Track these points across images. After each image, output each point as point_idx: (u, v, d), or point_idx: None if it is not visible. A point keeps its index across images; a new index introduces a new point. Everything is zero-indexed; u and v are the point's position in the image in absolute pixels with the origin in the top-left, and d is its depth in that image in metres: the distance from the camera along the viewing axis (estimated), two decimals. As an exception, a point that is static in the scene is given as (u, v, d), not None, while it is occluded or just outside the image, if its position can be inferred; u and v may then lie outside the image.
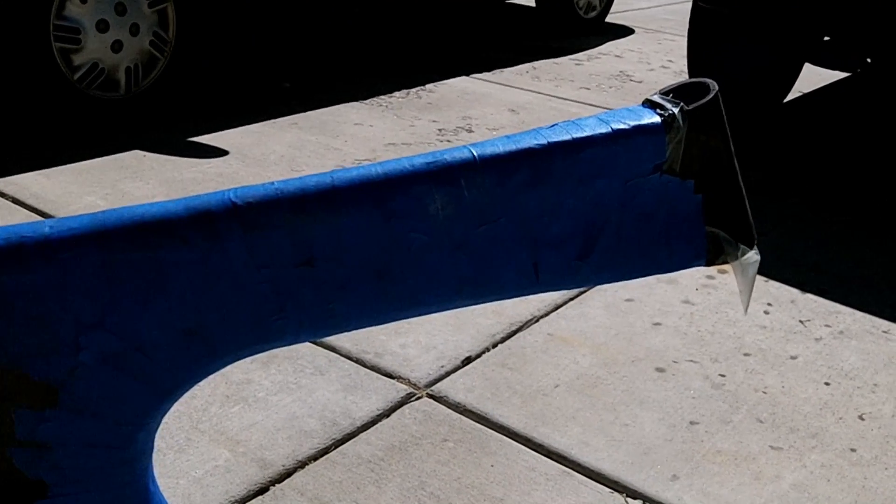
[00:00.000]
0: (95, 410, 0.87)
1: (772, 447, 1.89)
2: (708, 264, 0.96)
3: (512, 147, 0.89)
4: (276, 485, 1.69)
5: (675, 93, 0.94)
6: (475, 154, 0.88)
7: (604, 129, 0.90)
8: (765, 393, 2.08)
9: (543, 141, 0.89)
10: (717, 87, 0.90)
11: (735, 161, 0.92)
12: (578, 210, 0.91)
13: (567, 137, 0.89)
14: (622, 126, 0.90)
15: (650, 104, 0.93)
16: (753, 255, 0.96)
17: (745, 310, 0.98)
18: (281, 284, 0.87)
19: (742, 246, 0.95)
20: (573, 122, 0.92)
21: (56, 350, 0.85)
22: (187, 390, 0.90)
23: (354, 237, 0.87)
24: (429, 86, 4.47)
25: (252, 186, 0.85)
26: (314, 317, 0.89)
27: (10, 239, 0.81)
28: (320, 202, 0.85)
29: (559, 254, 0.93)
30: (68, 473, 0.89)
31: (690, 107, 0.90)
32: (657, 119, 0.91)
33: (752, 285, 0.98)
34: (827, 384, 2.13)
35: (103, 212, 0.84)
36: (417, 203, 0.87)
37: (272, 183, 0.85)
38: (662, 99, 0.92)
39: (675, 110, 0.90)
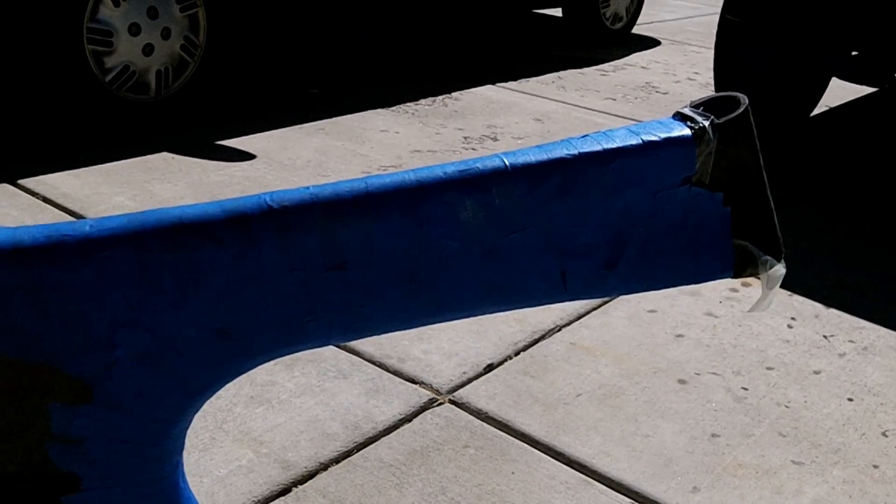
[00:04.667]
0: (129, 407, 0.89)
1: (793, 462, 1.88)
2: (735, 276, 0.96)
3: (543, 156, 0.90)
4: (299, 486, 1.70)
5: (706, 106, 0.95)
6: (507, 163, 0.89)
7: (634, 141, 0.91)
8: (787, 407, 2.07)
9: (574, 151, 0.90)
10: (747, 101, 0.91)
11: (764, 174, 0.93)
12: (607, 220, 0.92)
13: (597, 148, 0.90)
14: (653, 138, 0.91)
15: (681, 117, 0.94)
16: (780, 269, 0.97)
17: (765, 309, 0.98)
18: (313, 287, 0.88)
19: (769, 258, 0.95)
20: (604, 132, 0.92)
21: (91, 347, 0.87)
22: (218, 389, 0.92)
23: (386, 242, 0.89)
24: (454, 94, 4.49)
25: (288, 190, 0.86)
26: (344, 320, 0.91)
27: (51, 237, 0.83)
28: (354, 207, 0.87)
29: (587, 263, 0.94)
30: (101, 468, 0.91)
31: (721, 120, 0.90)
32: (688, 131, 0.91)
33: (774, 295, 0.99)
34: (850, 400, 2.12)
35: (141, 212, 0.86)
36: (449, 210, 0.89)
37: (307, 187, 0.87)
38: (693, 112, 0.93)
39: (706, 123, 0.91)
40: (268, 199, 0.86)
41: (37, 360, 0.86)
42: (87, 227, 0.84)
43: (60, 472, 0.91)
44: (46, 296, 0.84)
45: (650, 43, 6.26)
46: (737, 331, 2.41)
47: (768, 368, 2.23)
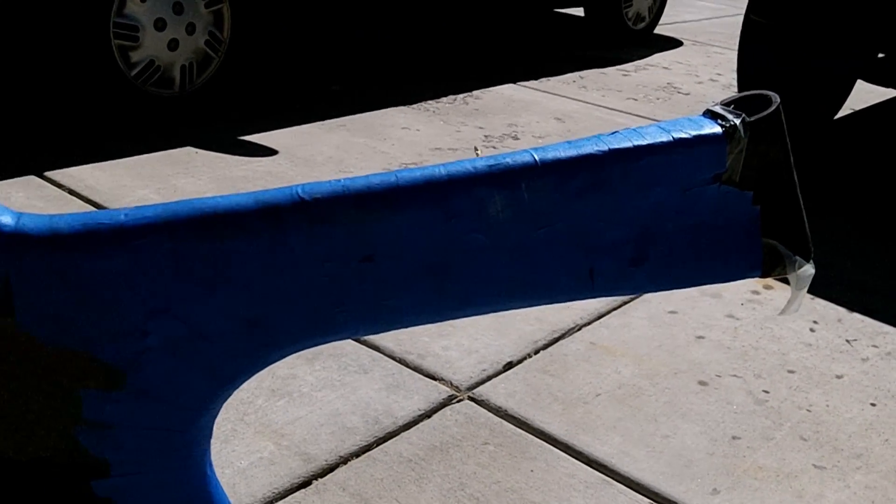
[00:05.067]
0: (159, 394, 0.90)
1: (815, 466, 1.88)
2: (763, 276, 0.96)
3: (572, 152, 0.90)
4: (319, 479, 1.71)
5: (737, 104, 0.95)
6: (536, 158, 0.90)
7: (664, 138, 0.91)
8: (809, 411, 2.07)
9: (604, 147, 0.90)
10: (779, 100, 0.91)
11: (794, 173, 0.93)
12: (636, 217, 0.92)
13: (627, 144, 0.90)
14: (683, 135, 0.91)
15: (711, 114, 0.94)
16: (809, 269, 0.97)
17: (796, 310, 0.98)
18: (342, 279, 0.89)
19: (798, 258, 0.95)
20: (634, 129, 0.93)
21: (124, 334, 0.88)
22: (247, 379, 0.93)
23: (415, 236, 0.89)
24: (475, 92, 4.49)
25: (319, 183, 0.87)
26: (372, 311, 0.91)
27: (87, 224, 0.84)
28: (384, 200, 0.87)
29: (614, 260, 0.94)
30: (130, 454, 0.92)
31: (752, 118, 0.91)
32: (718, 129, 0.91)
33: (804, 296, 0.99)
34: (873, 405, 2.11)
35: (175, 202, 0.87)
36: (478, 205, 0.89)
37: (339, 180, 0.88)
38: (724, 110, 0.93)
39: (737, 121, 0.91)
40: (300, 190, 0.87)
41: (70, 346, 0.88)
42: (122, 216, 0.85)
43: (90, 458, 0.92)
44: (81, 283, 0.85)
45: (672, 43, 6.24)
46: (758, 333, 2.40)
47: (790, 372, 2.23)
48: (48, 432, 0.90)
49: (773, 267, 0.97)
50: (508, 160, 0.90)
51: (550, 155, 0.90)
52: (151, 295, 0.86)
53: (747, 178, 0.93)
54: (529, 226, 0.92)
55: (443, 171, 0.89)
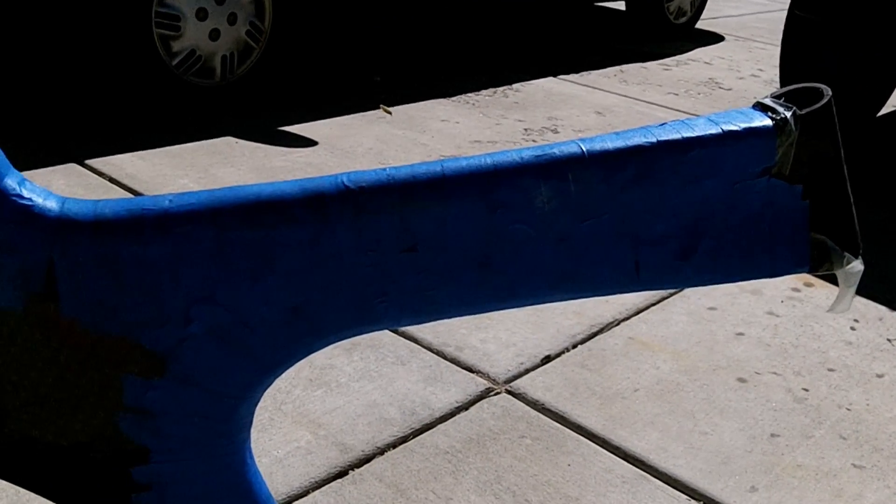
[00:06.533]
0: (200, 381, 0.90)
1: (854, 465, 1.85)
2: (811, 271, 0.95)
3: (620, 143, 0.89)
4: (356, 469, 1.71)
5: (787, 97, 0.93)
6: (583, 149, 0.88)
7: (714, 130, 0.89)
8: (849, 409, 2.04)
9: (652, 139, 0.89)
10: (830, 93, 0.89)
11: (844, 168, 0.91)
12: (683, 210, 0.91)
13: (676, 136, 0.89)
14: (732, 127, 0.89)
15: (761, 107, 0.92)
16: (858, 265, 0.95)
17: (848, 309, 0.96)
18: (385, 269, 0.88)
19: (847, 254, 0.93)
20: (683, 121, 0.91)
21: (166, 321, 0.88)
22: (288, 367, 0.93)
23: (459, 226, 0.88)
24: (515, 85, 4.48)
25: (365, 171, 0.87)
26: (415, 302, 0.91)
27: (132, 210, 0.84)
28: (429, 190, 0.87)
29: (661, 253, 0.92)
30: (170, 441, 0.92)
31: (804, 111, 0.89)
32: (769, 122, 0.90)
33: (853, 294, 0.97)
34: (915, 405, 2.08)
35: (220, 189, 0.87)
36: (524, 195, 0.88)
37: (384, 169, 0.87)
38: (774, 102, 0.91)
39: (788, 114, 0.89)
40: (345, 179, 0.86)
41: (112, 332, 0.88)
42: (167, 202, 0.85)
43: (131, 444, 0.92)
44: (124, 269, 0.86)
45: (714, 38, 6.18)
46: (798, 331, 2.37)
47: (830, 370, 2.19)
48: (89, 418, 0.90)
49: (821, 262, 0.95)
50: (555, 151, 0.89)
51: (598, 146, 0.89)
52: (194, 282, 0.86)
53: (797, 171, 0.91)
54: (575, 218, 0.91)
55: (489, 161, 0.88)
